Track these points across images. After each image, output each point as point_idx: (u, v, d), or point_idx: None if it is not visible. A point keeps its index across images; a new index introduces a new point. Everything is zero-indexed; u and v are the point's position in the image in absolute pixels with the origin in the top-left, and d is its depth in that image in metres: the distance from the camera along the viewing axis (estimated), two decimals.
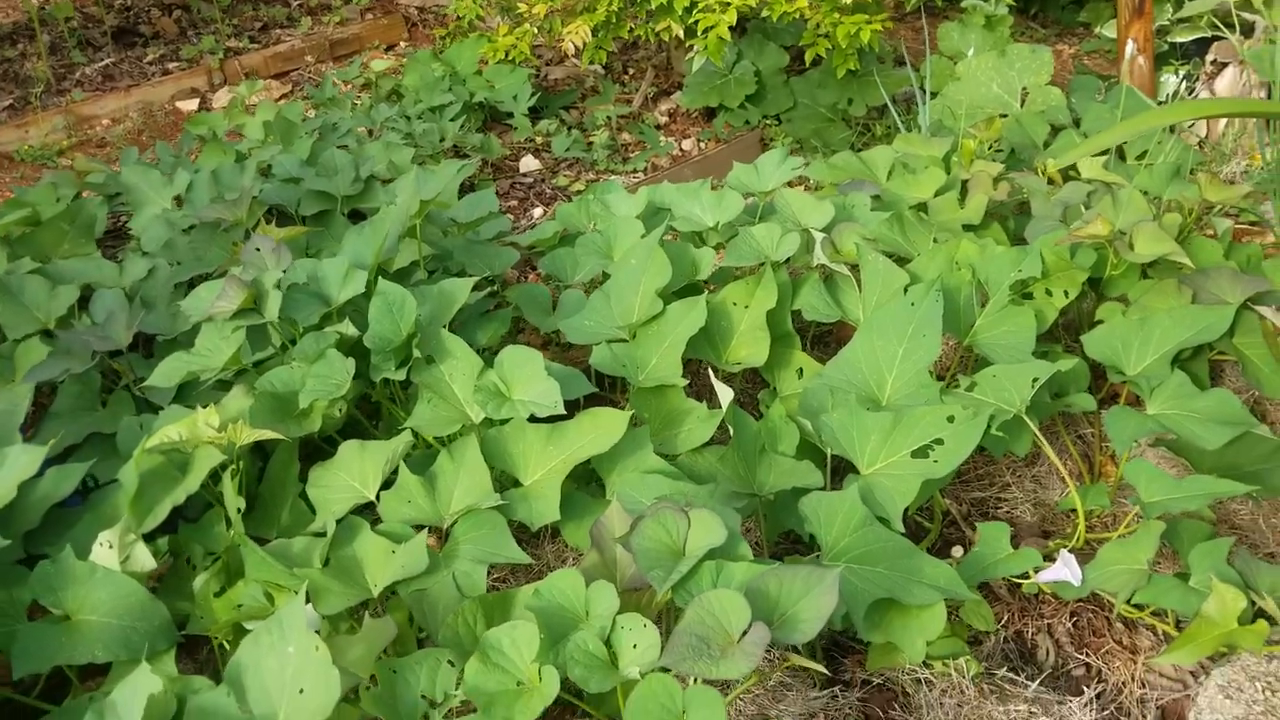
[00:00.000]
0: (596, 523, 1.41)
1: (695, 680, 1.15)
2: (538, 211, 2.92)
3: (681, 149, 3.35)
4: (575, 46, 3.18)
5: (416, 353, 1.69)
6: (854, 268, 1.96)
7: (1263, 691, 1.40)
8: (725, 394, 1.65)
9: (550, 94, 3.54)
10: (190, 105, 3.70)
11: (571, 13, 3.37)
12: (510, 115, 3.38)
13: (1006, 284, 1.80)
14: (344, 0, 4.34)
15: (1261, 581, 1.44)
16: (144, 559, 1.49)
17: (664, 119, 3.55)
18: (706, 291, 1.98)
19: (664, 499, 1.40)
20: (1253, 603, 1.42)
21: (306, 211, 2.45)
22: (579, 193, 3.05)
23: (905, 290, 1.77)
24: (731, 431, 1.64)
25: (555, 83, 3.67)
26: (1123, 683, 1.54)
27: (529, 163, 3.16)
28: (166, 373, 1.83)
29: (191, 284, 2.22)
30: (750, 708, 1.41)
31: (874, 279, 1.89)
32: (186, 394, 1.94)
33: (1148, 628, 1.58)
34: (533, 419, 1.66)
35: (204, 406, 1.67)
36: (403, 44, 4.24)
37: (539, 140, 3.29)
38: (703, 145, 3.39)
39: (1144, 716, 1.49)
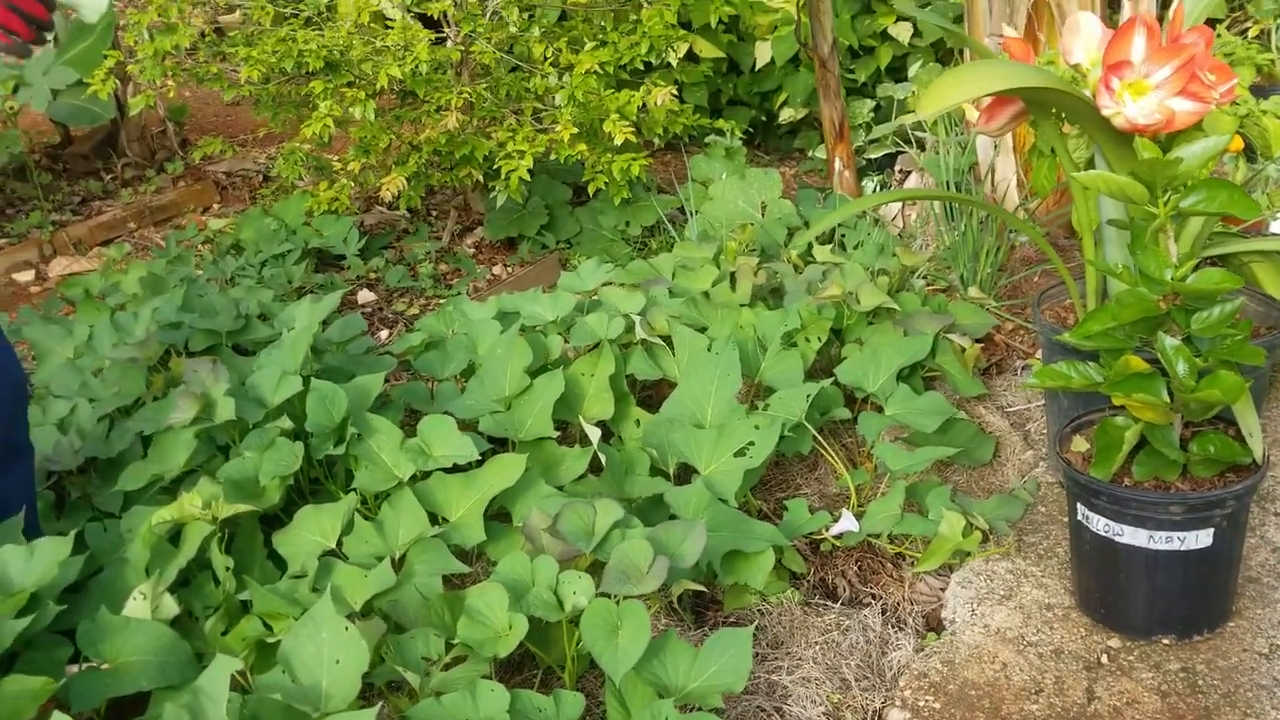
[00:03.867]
0: (526, 523, 1.94)
1: (623, 599, 1.69)
2: (384, 333, 3.42)
3: (493, 273, 3.94)
4: (392, 195, 3.74)
5: (353, 429, 2.17)
6: (666, 339, 2.59)
7: (985, 580, 2.07)
8: (594, 433, 2.23)
9: (370, 236, 4.06)
10: (25, 276, 3.98)
11: (384, 167, 3.94)
12: (341, 257, 3.88)
13: (778, 336, 2.48)
14: (157, 170, 4.73)
15: (974, 509, 2.12)
16: (170, 607, 1.89)
17: (471, 250, 4.14)
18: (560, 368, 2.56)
19: (569, 502, 1.95)
20: (970, 524, 2.11)
21: (195, 348, 2.86)
22: (415, 316, 3.58)
23: (709, 348, 2.41)
24: (603, 461, 2.21)
25: (371, 227, 4.20)
26: (897, 602, 2.17)
27: (365, 295, 3.67)
28: (131, 478, 2.22)
29: (114, 415, 2.59)
30: None
31: (684, 344, 2.53)
32: (134, 501, 2.32)
33: (909, 562, 2.23)
34: (449, 470, 2.17)
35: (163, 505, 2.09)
36: (216, 206, 4.66)
37: (371, 276, 3.81)
38: (510, 269, 4.00)
39: (914, 620, 2.13)
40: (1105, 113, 1.83)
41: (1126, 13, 3.11)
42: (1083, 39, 2.00)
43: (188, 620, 1.99)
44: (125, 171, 4.69)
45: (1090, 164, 2.18)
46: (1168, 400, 1.74)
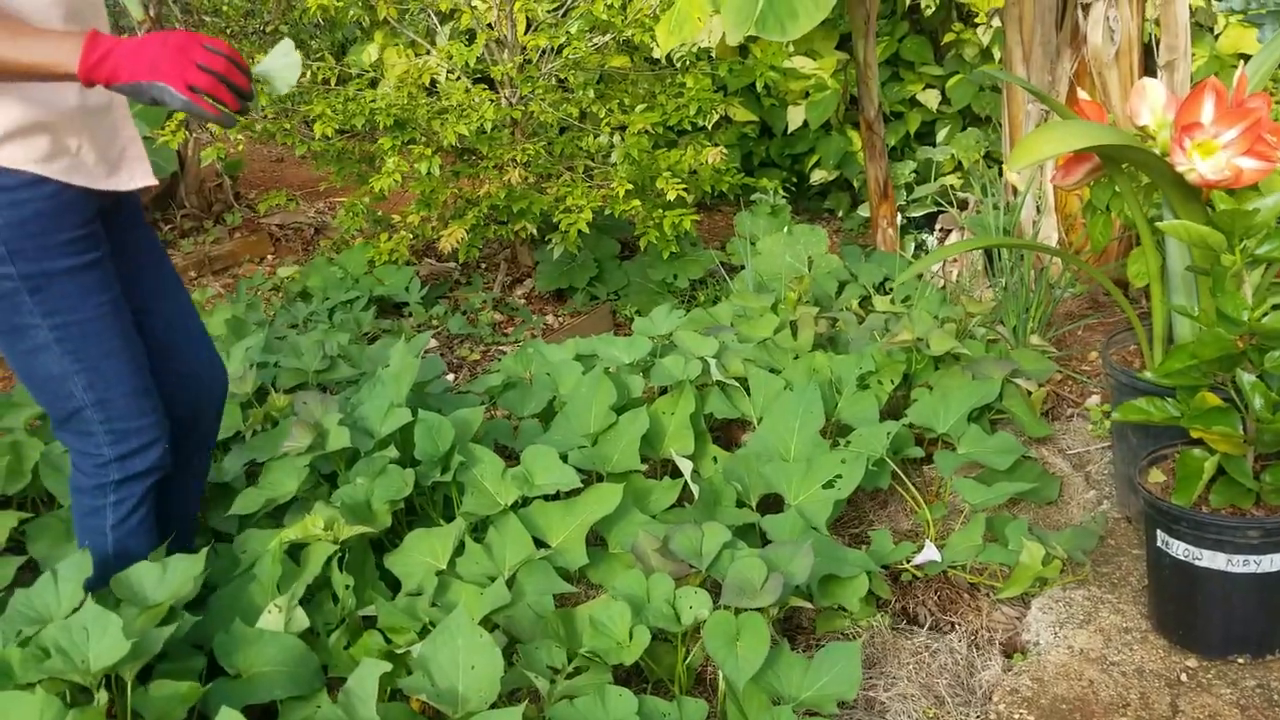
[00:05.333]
0: (634, 545, 2.05)
1: (739, 612, 1.81)
2: (450, 376, 3.55)
3: (546, 323, 4.09)
4: (452, 246, 3.90)
5: (459, 458, 2.29)
6: (740, 380, 2.72)
7: (1064, 606, 2.18)
8: (686, 465, 2.35)
9: (426, 287, 4.21)
10: None
11: (441, 220, 4.09)
12: (401, 305, 4.03)
13: (853, 378, 2.62)
14: (214, 222, 4.89)
15: (1050, 540, 2.25)
16: (301, 620, 1.99)
17: (522, 301, 4.29)
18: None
19: (676, 526, 2.07)
20: (1049, 553, 2.22)
21: (282, 385, 2.99)
22: (477, 361, 3.71)
23: (787, 389, 2.55)
24: (695, 493, 2.33)
25: (426, 277, 4.35)
26: (976, 629, 2.28)
27: (429, 341, 3.80)
28: (245, 503, 2.33)
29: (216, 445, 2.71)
30: None
31: (760, 386, 2.66)
32: (239, 525, 2.42)
33: (984, 593, 2.34)
34: (548, 498, 2.29)
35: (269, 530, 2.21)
36: (270, 257, 4.81)
37: (433, 323, 3.95)
38: (560, 319, 4.14)
39: (992, 646, 2.24)
40: (1179, 169, 1.99)
41: (1161, 80, 3.30)
42: (1149, 103, 2.17)
43: (308, 636, 2.09)
44: (184, 223, 4.84)
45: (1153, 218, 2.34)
46: (1242, 433, 1.87)
